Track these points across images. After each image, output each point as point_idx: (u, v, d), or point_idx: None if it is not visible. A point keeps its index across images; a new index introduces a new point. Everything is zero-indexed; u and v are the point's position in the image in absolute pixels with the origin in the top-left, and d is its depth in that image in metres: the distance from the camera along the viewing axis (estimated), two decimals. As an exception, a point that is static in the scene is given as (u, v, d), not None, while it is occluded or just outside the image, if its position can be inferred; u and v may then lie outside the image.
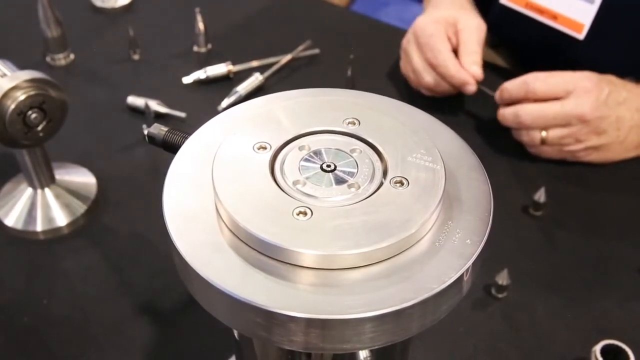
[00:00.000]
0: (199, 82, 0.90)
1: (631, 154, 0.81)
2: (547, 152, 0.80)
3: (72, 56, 0.95)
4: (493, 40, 1.04)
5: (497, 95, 0.81)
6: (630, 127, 0.77)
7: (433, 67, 0.84)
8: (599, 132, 0.76)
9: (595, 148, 0.78)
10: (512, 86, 0.79)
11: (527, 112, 0.77)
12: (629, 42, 0.84)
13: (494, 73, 0.92)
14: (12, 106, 0.62)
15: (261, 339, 0.32)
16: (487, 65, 0.86)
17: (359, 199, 0.34)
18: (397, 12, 2.54)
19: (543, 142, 0.78)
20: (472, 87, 0.81)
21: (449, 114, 0.88)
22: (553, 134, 0.77)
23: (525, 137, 0.79)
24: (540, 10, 0.86)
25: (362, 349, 0.35)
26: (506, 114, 0.80)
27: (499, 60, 1.03)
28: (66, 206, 0.73)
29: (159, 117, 0.83)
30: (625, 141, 0.78)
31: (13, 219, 0.72)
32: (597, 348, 0.57)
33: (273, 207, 0.33)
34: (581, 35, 0.83)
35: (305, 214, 0.32)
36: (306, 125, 0.38)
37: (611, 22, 0.82)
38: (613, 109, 0.76)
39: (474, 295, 0.66)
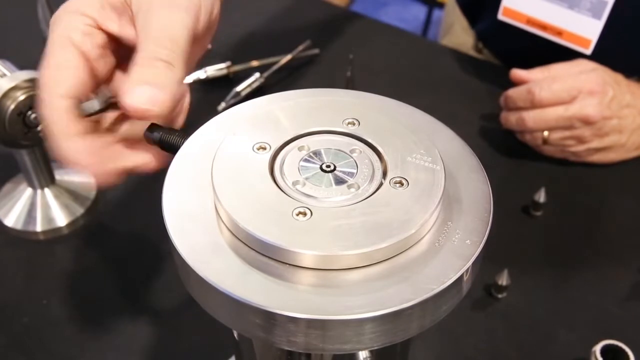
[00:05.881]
0: (198, 82, 0.90)
1: (632, 154, 0.81)
2: (549, 151, 0.80)
3: (72, 56, 0.95)
4: (480, 45, 1.03)
5: (501, 101, 0.81)
6: (632, 130, 0.77)
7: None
8: (601, 134, 0.76)
9: (597, 149, 0.78)
10: (517, 95, 0.78)
11: (531, 117, 0.77)
12: (637, 52, 0.83)
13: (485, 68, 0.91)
14: (12, 106, 0.62)
15: (261, 340, 0.32)
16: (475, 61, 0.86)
17: (358, 199, 0.34)
18: (397, 12, 2.55)
19: (545, 142, 0.78)
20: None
21: (449, 114, 0.87)
22: (555, 135, 0.77)
23: (527, 137, 0.80)
24: (544, 27, 0.82)
25: (361, 349, 0.35)
26: (510, 118, 0.80)
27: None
28: (66, 206, 0.73)
29: (159, 117, 0.83)
30: (627, 143, 0.78)
31: (13, 219, 0.72)
32: (597, 348, 0.57)
33: (272, 207, 0.33)
34: (588, 51, 0.81)
35: (304, 214, 0.32)
36: (306, 125, 0.38)
37: (619, 36, 0.81)
38: (616, 112, 0.75)
39: (474, 295, 0.66)
